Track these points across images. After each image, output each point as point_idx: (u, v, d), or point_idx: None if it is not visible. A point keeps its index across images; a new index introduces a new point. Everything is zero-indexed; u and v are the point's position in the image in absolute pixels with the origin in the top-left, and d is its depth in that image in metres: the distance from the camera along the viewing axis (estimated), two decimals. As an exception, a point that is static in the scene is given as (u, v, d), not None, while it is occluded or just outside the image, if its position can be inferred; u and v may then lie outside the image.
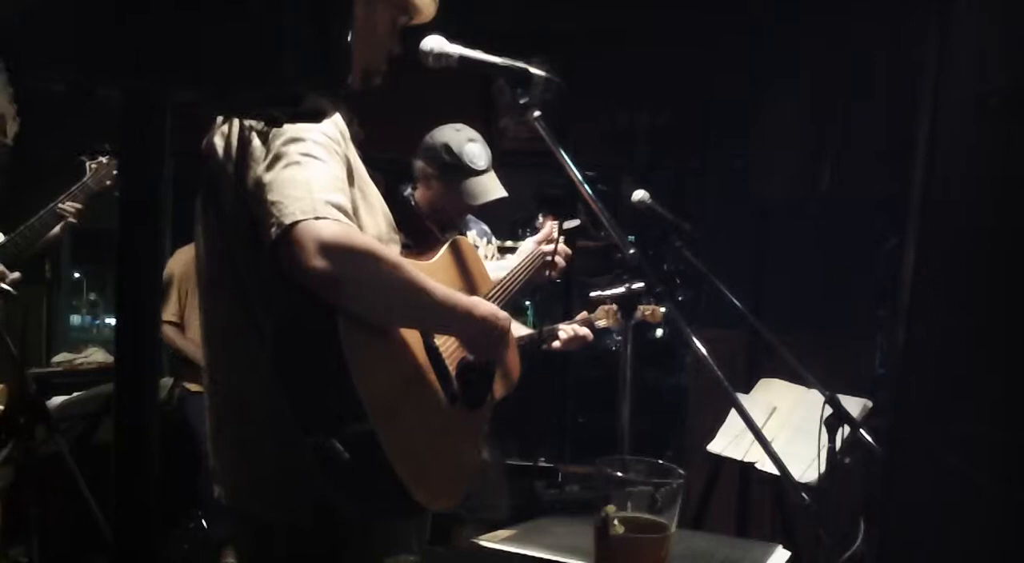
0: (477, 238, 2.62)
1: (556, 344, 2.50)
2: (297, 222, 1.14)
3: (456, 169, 2.36)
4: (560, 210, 2.26)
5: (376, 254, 1.21)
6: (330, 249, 1.14)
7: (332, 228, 1.15)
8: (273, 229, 1.15)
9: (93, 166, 2.80)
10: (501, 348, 1.49)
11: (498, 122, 4.23)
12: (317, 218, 1.14)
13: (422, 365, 1.39)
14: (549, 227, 2.13)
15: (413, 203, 2.50)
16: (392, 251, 1.27)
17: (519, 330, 2.55)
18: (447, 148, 2.37)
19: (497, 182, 2.39)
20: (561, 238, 2.10)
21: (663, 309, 2.44)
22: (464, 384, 1.48)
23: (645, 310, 2.50)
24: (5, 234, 2.76)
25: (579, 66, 3.76)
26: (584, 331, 2.51)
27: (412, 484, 1.23)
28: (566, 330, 2.50)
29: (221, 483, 1.38)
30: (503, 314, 1.47)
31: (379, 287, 1.23)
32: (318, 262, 1.13)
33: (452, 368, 1.47)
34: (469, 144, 2.39)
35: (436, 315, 1.35)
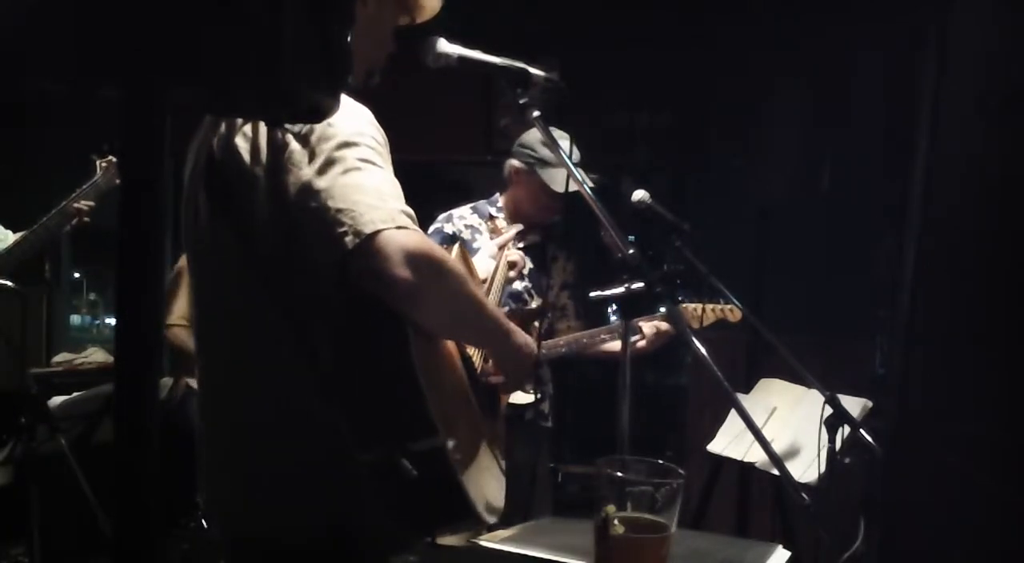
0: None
1: (641, 343, 2.41)
2: (379, 231, 1.10)
3: (546, 161, 2.41)
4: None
5: (451, 266, 1.21)
6: (415, 259, 1.11)
7: (414, 238, 1.13)
8: (348, 238, 1.10)
9: (103, 164, 2.81)
10: (525, 375, 1.48)
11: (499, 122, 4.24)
12: (397, 227, 1.12)
13: (463, 375, 1.40)
14: (512, 231, 2.17)
15: (499, 209, 2.55)
16: (459, 262, 1.26)
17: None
18: (541, 141, 2.42)
19: (584, 177, 2.42)
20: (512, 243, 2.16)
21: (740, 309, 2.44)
22: (483, 392, 1.49)
23: (726, 308, 2.48)
24: (16, 233, 2.77)
25: (579, 66, 3.77)
26: (665, 326, 2.40)
27: (476, 498, 1.21)
28: (647, 327, 2.41)
29: (221, 509, 1.34)
30: (530, 343, 1.46)
31: (451, 298, 1.22)
32: (403, 272, 1.10)
33: (480, 376, 1.49)
34: (563, 141, 2.44)
35: (486, 331, 1.35)
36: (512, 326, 1.41)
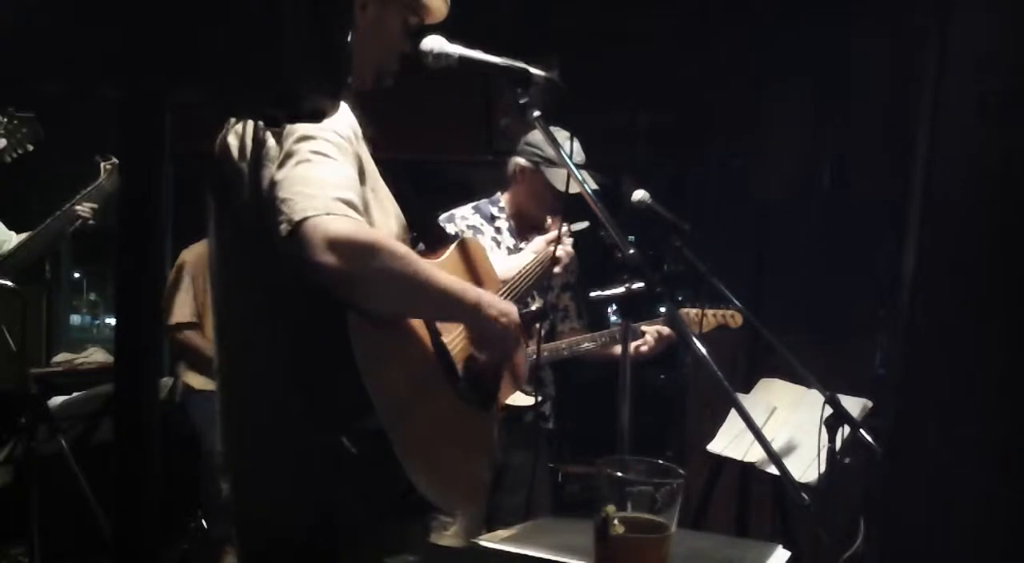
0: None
1: (643, 348, 2.39)
2: (306, 218, 1.15)
3: (552, 160, 2.39)
4: (569, 212, 2.25)
5: (383, 247, 1.21)
6: (338, 244, 1.14)
7: (340, 224, 1.16)
8: (283, 226, 1.16)
9: (108, 167, 2.81)
10: (511, 345, 1.48)
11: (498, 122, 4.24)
12: (327, 214, 1.15)
13: (431, 364, 1.40)
14: (559, 228, 2.13)
15: (501, 208, 2.53)
16: (402, 245, 1.27)
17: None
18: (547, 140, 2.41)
19: (588, 177, 2.41)
20: (569, 240, 2.12)
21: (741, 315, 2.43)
22: (472, 384, 1.48)
23: (727, 314, 2.48)
24: (18, 233, 2.78)
25: (579, 66, 3.76)
26: (667, 330, 2.38)
27: (422, 483, 1.23)
28: (650, 331, 2.39)
29: (228, 482, 1.38)
30: (512, 309, 1.46)
31: (387, 279, 1.23)
32: (326, 258, 1.14)
33: (460, 366, 1.47)
34: (566, 141, 2.44)
35: (444, 306, 1.35)
36: (484, 296, 1.40)
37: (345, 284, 1.18)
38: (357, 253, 1.17)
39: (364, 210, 1.30)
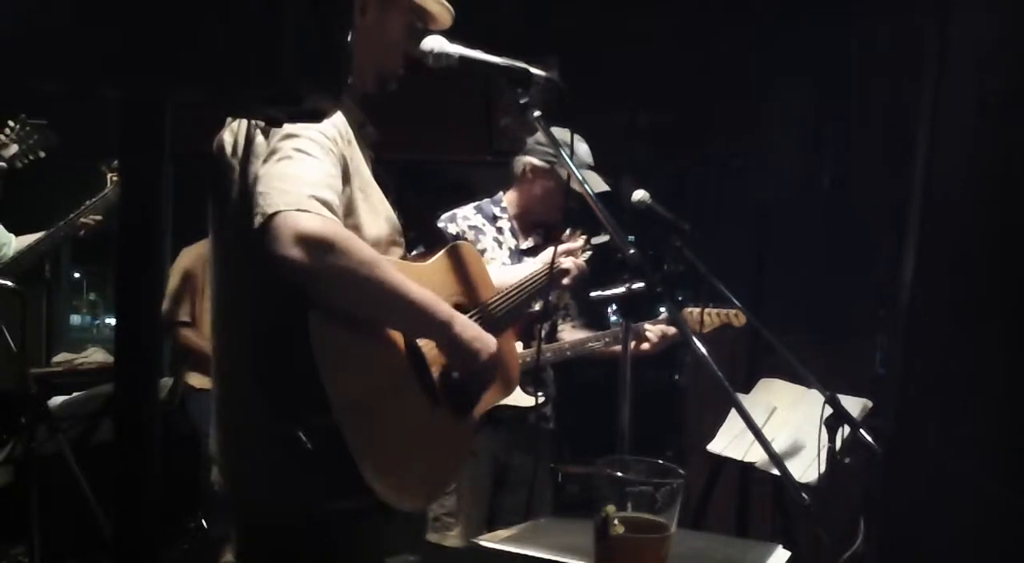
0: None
1: (645, 346, 2.38)
2: (278, 212, 1.17)
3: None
4: (589, 223, 2.23)
5: (352, 250, 1.22)
6: (305, 240, 1.16)
7: (311, 221, 1.17)
8: (256, 219, 1.18)
9: (115, 178, 2.81)
10: (481, 370, 1.47)
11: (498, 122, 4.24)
12: (298, 210, 1.17)
13: (402, 365, 1.39)
14: (579, 241, 2.12)
15: (503, 208, 2.53)
16: (372, 250, 1.27)
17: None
18: (560, 141, 2.39)
19: (600, 180, 2.40)
20: (588, 253, 2.10)
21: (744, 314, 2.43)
22: (447, 388, 1.48)
23: (730, 313, 2.48)
24: (18, 235, 2.78)
25: (579, 66, 3.76)
26: (672, 330, 2.37)
27: (375, 480, 1.24)
28: (653, 331, 2.39)
29: (222, 476, 1.39)
30: (488, 339, 1.45)
31: (352, 282, 1.23)
32: (293, 252, 1.16)
33: (436, 371, 1.46)
34: (578, 142, 2.44)
35: (410, 318, 1.35)
36: (457, 318, 1.39)
37: (309, 280, 1.19)
38: (322, 251, 1.18)
39: (350, 210, 1.32)
